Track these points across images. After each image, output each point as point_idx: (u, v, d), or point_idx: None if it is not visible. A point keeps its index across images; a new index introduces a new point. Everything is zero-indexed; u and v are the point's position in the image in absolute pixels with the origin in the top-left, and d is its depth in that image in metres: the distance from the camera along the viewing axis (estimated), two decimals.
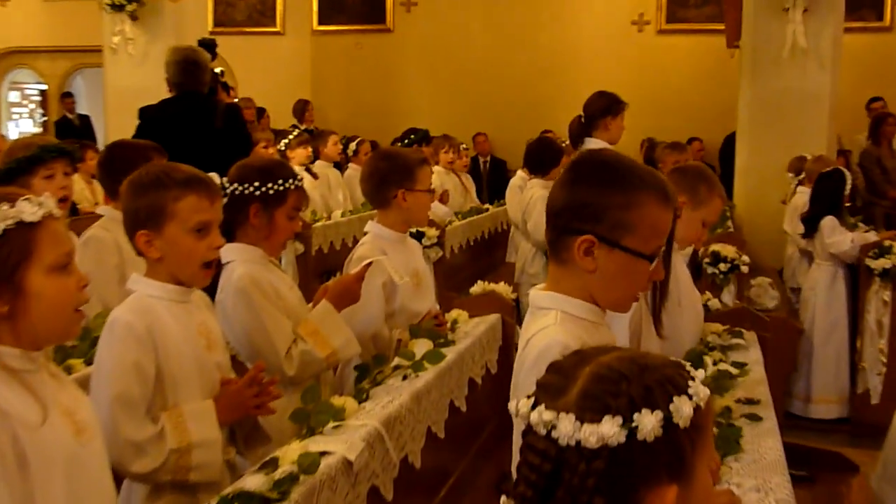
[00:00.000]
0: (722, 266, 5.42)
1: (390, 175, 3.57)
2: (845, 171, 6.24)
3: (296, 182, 3.11)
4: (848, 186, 6.03)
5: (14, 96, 15.68)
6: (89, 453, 1.92)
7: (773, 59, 7.72)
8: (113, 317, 2.45)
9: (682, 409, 1.18)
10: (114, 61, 9.20)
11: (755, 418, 2.90)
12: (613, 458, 1.17)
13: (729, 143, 10.34)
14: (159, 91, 5.84)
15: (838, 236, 5.96)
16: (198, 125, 5.36)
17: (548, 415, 1.21)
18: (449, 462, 3.49)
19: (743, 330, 3.98)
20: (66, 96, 13.69)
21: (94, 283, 2.07)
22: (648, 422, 1.17)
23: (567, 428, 1.18)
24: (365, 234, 3.72)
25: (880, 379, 5.73)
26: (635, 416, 1.17)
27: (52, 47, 14.05)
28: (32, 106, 15.89)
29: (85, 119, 13.50)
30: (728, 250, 5.51)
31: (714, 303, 4.32)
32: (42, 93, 15.50)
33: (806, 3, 7.50)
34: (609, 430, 1.17)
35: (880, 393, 5.71)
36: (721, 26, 10.48)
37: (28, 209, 1.78)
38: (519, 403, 1.27)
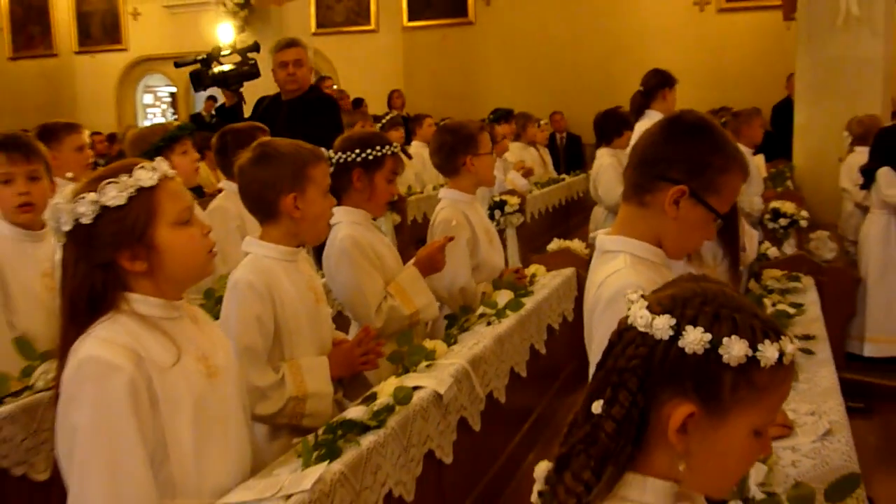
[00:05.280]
0: (782, 221, 5.30)
1: (456, 145, 3.57)
2: None
3: (392, 148, 3.12)
4: None
5: (148, 98, 16.12)
6: (219, 395, 1.84)
7: (827, 27, 7.40)
8: (235, 277, 2.46)
9: (734, 348, 1.14)
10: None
11: (810, 352, 2.82)
12: (654, 350, 1.18)
13: (777, 111, 10.17)
14: (267, 86, 5.90)
15: (895, 189, 5.70)
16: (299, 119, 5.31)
17: (637, 302, 1.24)
18: (531, 399, 3.50)
19: (800, 275, 3.88)
20: (210, 99, 14.02)
21: (218, 245, 1.98)
22: (694, 336, 1.15)
23: (636, 310, 1.21)
24: (439, 201, 3.72)
25: None
26: (687, 327, 1.16)
27: (178, 54, 14.33)
28: (164, 106, 16.32)
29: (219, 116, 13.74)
30: (788, 206, 5.39)
31: (773, 251, 4.21)
32: (172, 94, 15.93)
33: None
34: (660, 323, 1.17)
35: None
36: (778, 1, 10.13)
37: (145, 175, 1.76)
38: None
